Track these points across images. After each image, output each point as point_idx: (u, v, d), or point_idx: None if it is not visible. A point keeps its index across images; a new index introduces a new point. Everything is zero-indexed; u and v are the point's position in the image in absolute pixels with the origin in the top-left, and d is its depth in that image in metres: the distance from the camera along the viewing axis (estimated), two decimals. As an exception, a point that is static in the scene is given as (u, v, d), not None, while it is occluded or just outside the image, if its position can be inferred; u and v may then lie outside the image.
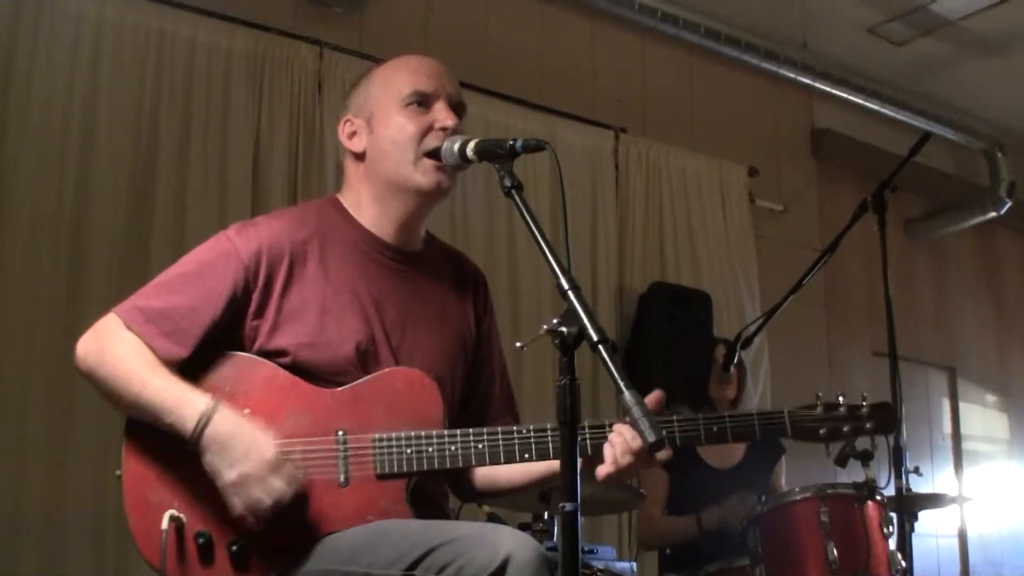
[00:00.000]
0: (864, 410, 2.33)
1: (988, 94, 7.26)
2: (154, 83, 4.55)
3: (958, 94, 7.22)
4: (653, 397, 2.04)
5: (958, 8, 6.32)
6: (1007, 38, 6.64)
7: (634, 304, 5.81)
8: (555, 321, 1.74)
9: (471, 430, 2.12)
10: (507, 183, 1.96)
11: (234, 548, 1.99)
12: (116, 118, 4.43)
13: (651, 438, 1.63)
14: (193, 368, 2.09)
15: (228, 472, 1.96)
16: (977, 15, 6.36)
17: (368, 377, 2.14)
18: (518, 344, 1.87)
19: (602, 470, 2.08)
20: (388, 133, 2.25)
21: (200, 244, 2.23)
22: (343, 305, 2.17)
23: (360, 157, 2.31)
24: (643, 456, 2.04)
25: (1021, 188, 7.54)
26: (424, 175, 2.21)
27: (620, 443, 2.05)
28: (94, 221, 4.31)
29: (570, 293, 1.77)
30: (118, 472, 2.06)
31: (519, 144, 1.99)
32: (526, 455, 2.12)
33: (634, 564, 4.33)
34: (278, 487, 1.96)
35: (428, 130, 2.22)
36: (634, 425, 1.64)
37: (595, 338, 1.70)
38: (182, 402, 2.01)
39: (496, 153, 2.02)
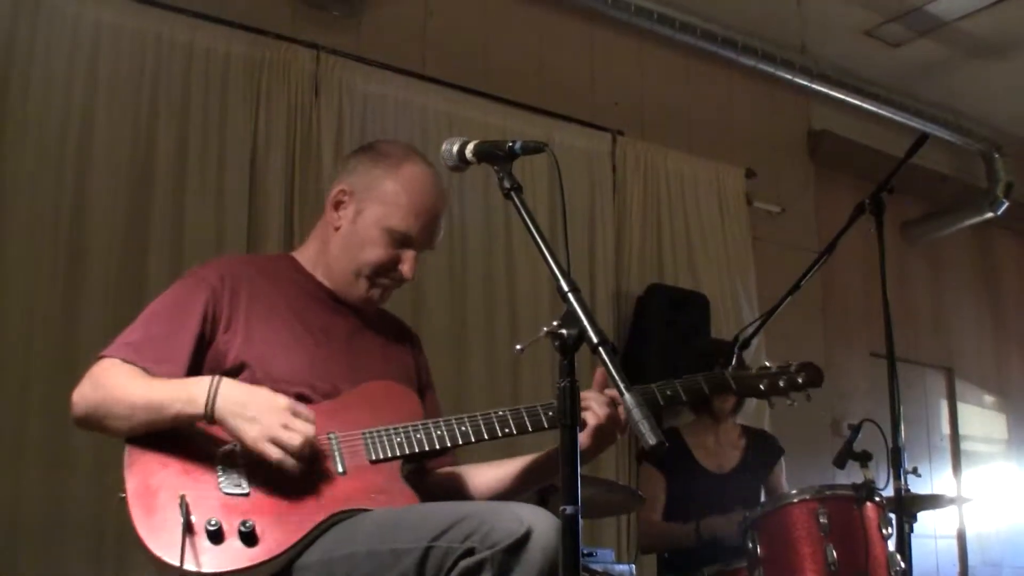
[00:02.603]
0: (793, 367, 2.59)
1: (985, 95, 7.27)
2: (152, 87, 4.55)
3: (955, 95, 7.23)
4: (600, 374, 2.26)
5: (955, 9, 6.33)
6: (1004, 39, 6.65)
7: (632, 306, 5.81)
8: (555, 323, 1.75)
9: (452, 416, 2.27)
10: (506, 185, 1.99)
11: (247, 526, 2.01)
12: (114, 122, 4.43)
13: (651, 440, 1.65)
14: None
15: (251, 427, 2.05)
16: (974, 16, 6.37)
17: (347, 391, 2.29)
18: (517, 347, 1.89)
19: (583, 436, 2.23)
20: (361, 241, 2.39)
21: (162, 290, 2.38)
22: (298, 329, 2.34)
23: (334, 225, 2.44)
24: (614, 410, 2.25)
25: (1018, 189, 7.55)
26: (359, 292, 2.41)
27: (594, 399, 2.26)
28: (92, 225, 4.31)
29: (570, 295, 1.78)
30: (121, 495, 2.07)
31: (518, 146, 2.02)
32: (506, 430, 2.27)
33: (633, 567, 4.34)
34: (301, 426, 2.05)
35: (391, 264, 2.38)
36: (635, 428, 1.66)
37: (595, 340, 1.71)
38: (185, 386, 2.11)
39: (495, 155, 2.04)
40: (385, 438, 2.21)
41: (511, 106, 5.57)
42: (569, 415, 1.71)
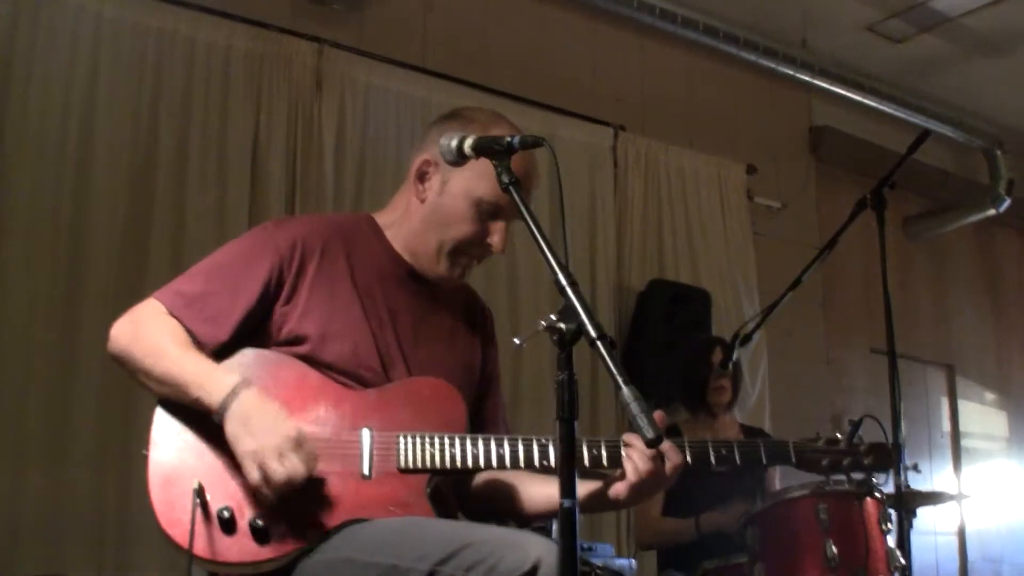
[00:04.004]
0: (862, 447, 2.45)
1: (987, 92, 7.26)
2: (153, 81, 4.55)
3: (957, 91, 7.22)
4: (656, 415, 2.08)
5: (957, 5, 6.32)
6: (1006, 35, 6.65)
7: (633, 302, 5.81)
8: (553, 317, 1.74)
9: (492, 436, 2.19)
10: (505, 179, 1.98)
11: (258, 523, 2.00)
12: (115, 116, 4.42)
13: (649, 434, 1.64)
14: (226, 353, 2.14)
15: (248, 440, 1.99)
16: (976, 12, 6.36)
17: (395, 383, 2.22)
18: (516, 340, 1.87)
19: (620, 488, 2.17)
20: (448, 215, 2.29)
21: (238, 235, 2.33)
22: (364, 307, 2.25)
23: (418, 196, 2.34)
24: (660, 465, 2.14)
25: (1020, 186, 7.54)
26: (441, 270, 2.32)
27: (637, 453, 2.14)
28: (93, 219, 4.30)
29: (568, 289, 1.77)
30: (144, 451, 2.07)
31: (517, 140, 2.00)
32: (544, 461, 2.19)
33: (633, 561, 4.34)
34: (294, 463, 1.98)
35: (479, 239, 2.29)
36: (632, 421, 1.65)
37: (593, 334, 1.70)
38: (212, 377, 2.05)
39: (494, 149, 2.02)
40: (419, 446, 2.14)
41: (512, 100, 5.56)
42: (567, 409, 1.70)
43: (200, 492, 2.00)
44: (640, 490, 2.16)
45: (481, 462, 2.16)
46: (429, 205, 2.31)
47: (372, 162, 5.04)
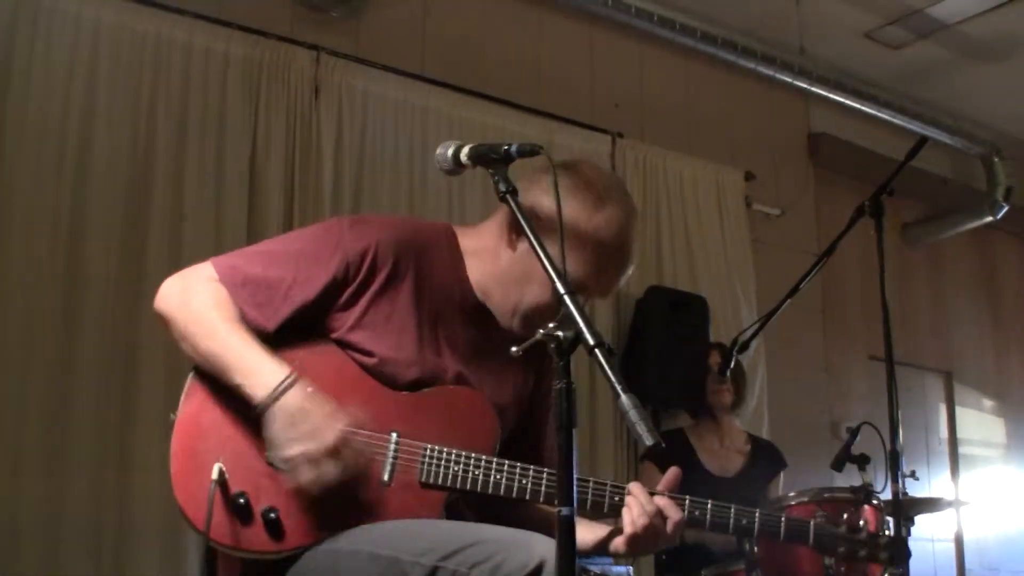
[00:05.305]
0: (881, 540, 2.42)
1: (985, 98, 7.27)
2: (151, 87, 4.54)
3: (955, 98, 7.23)
4: (672, 475, 2.15)
5: (956, 13, 6.33)
6: (1004, 42, 6.65)
7: (631, 309, 5.80)
8: (551, 326, 1.73)
9: (518, 464, 2.13)
10: (502, 188, 1.97)
11: (271, 515, 2.00)
12: (113, 122, 4.42)
13: (649, 441, 1.63)
14: (268, 338, 2.09)
15: (288, 448, 1.97)
16: (974, 19, 6.37)
17: (431, 389, 2.17)
18: (514, 348, 1.86)
19: (619, 540, 2.13)
20: (528, 272, 2.19)
21: (309, 225, 2.29)
22: (421, 333, 2.19)
23: (509, 243, 2.25)
24: (659, 521, 2.10)
25: (1018, 192, 7.54)
26: (510, 325, 2.24)
27: (636, 505, 2.10)
28: (91, 225, 4.30)
29: (566, 298, 1.77)
30: (172, 415, 2.06)
31: (514, 149, 1.99)
32: None
33: (631, 569, 4.33)
34: (330, 472, 1.97)
35: (555, 311, 2.16)
36: (631, 428, 1.64)
37: (591, 342, 1.69)
38: (259, 368, 2.02)
39: (491, 158, 2.02)
40: (443, 462, 2.09)
41: (510, 107, 5.57)
42: (566, 417, 1.70)
43: (221, 473, 1.99)
44: (638, 543, 2.11)
45: (502, 490, 2.11)
46: (517, 257, 2.22)
47: (370, 169, 5.04)
